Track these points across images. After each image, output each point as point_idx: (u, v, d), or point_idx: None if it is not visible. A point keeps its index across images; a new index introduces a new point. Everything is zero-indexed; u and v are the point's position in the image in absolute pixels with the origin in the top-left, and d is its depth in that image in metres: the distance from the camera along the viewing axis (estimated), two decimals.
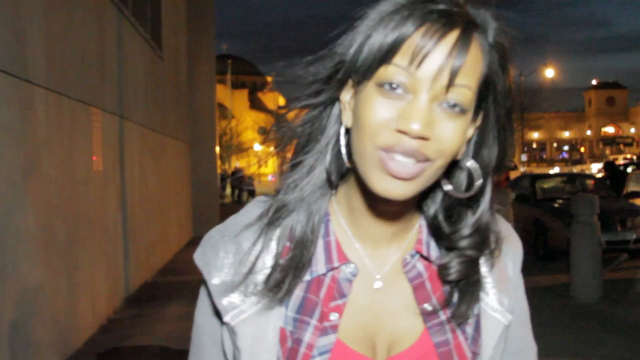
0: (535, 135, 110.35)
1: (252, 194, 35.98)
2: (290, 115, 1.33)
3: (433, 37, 1.09)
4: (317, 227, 1.30)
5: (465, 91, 1.12)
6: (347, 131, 1.24)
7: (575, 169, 57.04)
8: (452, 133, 1.13)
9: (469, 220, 1.29)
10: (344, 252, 1.29)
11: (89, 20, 8.80)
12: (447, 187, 1.28)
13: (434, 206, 1.34)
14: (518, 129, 71.18)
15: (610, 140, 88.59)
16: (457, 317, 1.28)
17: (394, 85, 1.11)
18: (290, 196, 1.29)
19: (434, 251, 1.32)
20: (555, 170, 58.06)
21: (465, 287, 1.29)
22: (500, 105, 1.21)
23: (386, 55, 1.12)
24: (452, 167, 1.26)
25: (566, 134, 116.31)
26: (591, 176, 20.19)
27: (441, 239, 1.32)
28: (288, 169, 1.32)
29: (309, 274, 1.27)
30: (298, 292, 1.26)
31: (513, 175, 30.14)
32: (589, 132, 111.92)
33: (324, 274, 1.28)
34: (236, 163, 63.28)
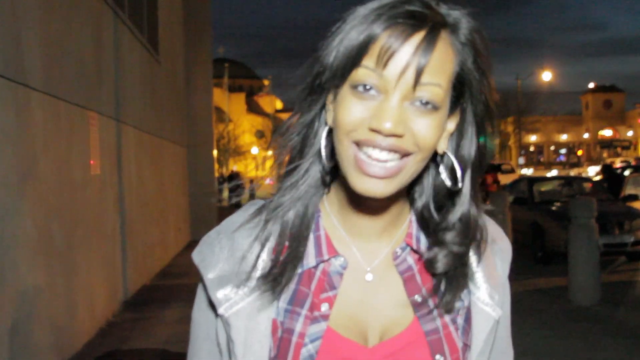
0: (533, 138, 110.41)
1: (252, 197, 36.08)
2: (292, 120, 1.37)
3: (399, 38, 1.13)
4: (310, 223, 1.34)
5: (435, 89, 1.15)
6: (331, 132, 1.28)
7: (572, 172, 57.11)
8: (426, 129, 1.16)
9: (454, 214, 1.32)
10: (334, 246, 1.33)
11: (86, 24, 8.80)
12: (443, 175, 1.32)
13: (423, 199, 1.38)
14: (515, 132, 71.36)
15: (607, 144, 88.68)
16: (443, 305, 1.31)
17: (367, 87, 1.15)
18: (287, 197, 1.33)
19: (423, 245, 1.36)
20: (553, 173, 58.10)
21: (452, 277, 1.32)
22: (476, 101, 1.25)
23: (356, 57, 1.16)
24: (438, 162, 1.32)
25: (563, 137, 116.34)
26: (589, 179, 20.22)
27: (429, 233, 1.35)
28: (284, 174, 1.36)
29: (300, 267, 1.31)
30: (290, 285, 1.30)
31: (511, 178, 30.17)
32: (586, 135, 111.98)
33: (315, 267, 1.32)
34: (234, 167, 63.28)
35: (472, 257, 1.37)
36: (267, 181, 1.42)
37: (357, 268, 1.34)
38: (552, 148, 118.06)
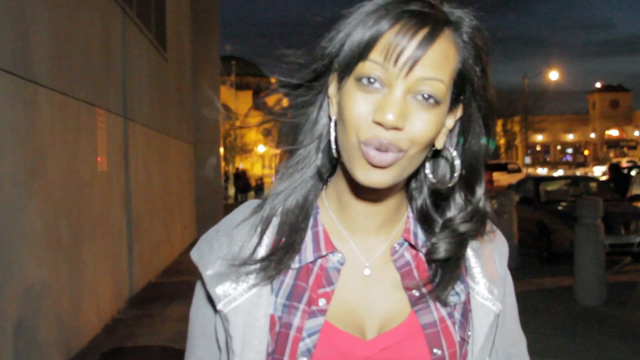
0: (539, 137, 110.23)
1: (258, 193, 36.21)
2: (272, 99, 1.41)
3: (406, 35, 1.16)
4: (308, 217, 1.36)
5: (438, 84, 1.19)
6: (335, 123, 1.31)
7: (578, 172, 56.95)
8: (425, 123, 1.19)
9: (464, 205, 1.36)
10: (332, 241, 1.35)
11: (94, 21, 8.82)
12: (432, 179, 1.37)
13: (422, 195, 1.41)
14: (522, 132, 71.22)
15: (614, 143, 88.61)
16: (437, 294, 1.33)
17: (371, 80, 1.19)
18: (283, 185, 1.36)
19: (421, 241, 1.39)
20: (559, 173, 57.96)
21: (446, 267, 1.35)
22: (480, 97, 1.28)
23: (363, 51, 1.19)
24: (437, 158, 1.37)
25: (570, 137, 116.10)
26: (595, 179, 20.18)
27: (431, 225, 1.38)
28: (280, 160, 1.40)
29: (298, 262, 1.33)
30: (288, 280, 1.32)
31: (517, 177, 30.14)
32: (592, 135, 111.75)
33: (313, 262, 1.34)
34: (240, 164, 63.25)
35: (470, 253, 1.40)
36: (273, 179, 1.43)
37: (355, 263, 1.36)
38: (559, 148, 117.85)
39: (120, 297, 9.86)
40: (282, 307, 1.29)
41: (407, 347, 1.29)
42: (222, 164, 24.94)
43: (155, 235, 12.97)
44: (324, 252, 1.33)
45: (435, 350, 1.29)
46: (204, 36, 20.63)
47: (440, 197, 1.38)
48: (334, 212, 1.38)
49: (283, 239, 1.33)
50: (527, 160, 62.50)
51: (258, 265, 1.30)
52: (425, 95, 1.18)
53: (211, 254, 1.35)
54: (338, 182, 1.36)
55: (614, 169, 20.56)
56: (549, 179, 18.58)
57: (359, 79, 1.19)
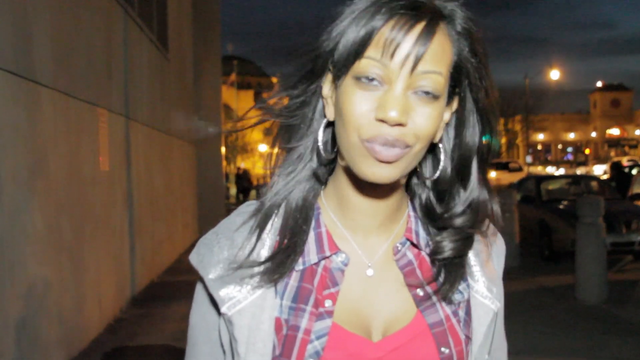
0: (540, 136, 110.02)
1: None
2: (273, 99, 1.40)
3: (402, 29, 1.16)
4: (309, 219, 1.36)
5: (437, 77, 1.19)
6: (329, 124, 1.33)
7: (579, 171, 56.82)
8: (426, 118, 1.19)
9: (461, 198, 1.35)
10: (335, 242, 1.34)
11: (96, 21, 8.83)
12: (425, 174, 1.39)
13: (425, 189, 1.41)
14: (523, 131, 71.15)
15: (615, 142, 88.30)
16: (442, 294, 1.33)
17: (370, 77, 1.18)
18: (280, 186, 1.36)
19: (422, 240, 1.39)
20: (560, 172, 57.85)
21: (450, 266, 1.35)
22: (476, 88, 1.28)
23: (359, 49, 1.18)
24: (432, 151, 1.36)
25: (571, 136, 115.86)
26: (596, 178, 20.17)
27: (435, 220, 1.38)
28: (275, 161, 1.39)
29: (302, 264, 1.32)
30: (292, 282, 1.31)
31: (519, 176, 30.10)
32: (593, 134, 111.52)
33: (316, 264, 1.33)
34: (241, 164, 63.21)
35: (470, 252, 1.40)
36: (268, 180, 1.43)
37: (358, 263, 1.35)
38: (560, 147, 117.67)
39: (122, 296, 9.87)
40: (288, 310, 1.28)
41: (416, 347, 1.29)
42: (224, 163, 24.93)
43: (157, 234, 12.97)
44: (327, 253, 1.32)
45: (443, 349, 1.29)
46: (206, 36, 20.63)
47: (443, 190, 1.38)
48: (334, 212, 1.37)
49: (285, 241, 1.32)
50: (529, 159, 62.42)
51: (262, 268, 1.29)
52: (425, 90, 1.18)
53: (212, 257, 1.34)
54: (337, 182, 1.36)
55: (616, 168, 20.54)
56: (550, 178, 18.56)
57: (357, 78, 1.19)
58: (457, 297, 1.35)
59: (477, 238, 1.41)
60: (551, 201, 15.12)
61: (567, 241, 12.70)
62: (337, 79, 1.24)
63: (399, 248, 1.37)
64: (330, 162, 1.38)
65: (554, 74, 63.40)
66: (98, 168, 8.64)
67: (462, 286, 1.37)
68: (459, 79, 1.26)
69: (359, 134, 1.19)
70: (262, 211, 1.36)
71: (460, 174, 1.35)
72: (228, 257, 1.32)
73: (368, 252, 1.36)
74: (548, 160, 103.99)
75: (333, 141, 1.33)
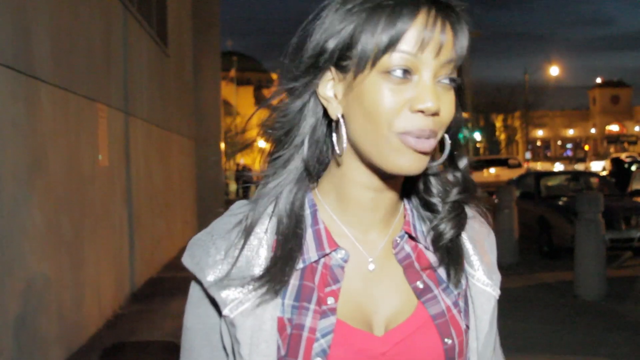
0: (540, 133, 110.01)
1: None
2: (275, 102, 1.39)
3: (431, 21, 1.17)
4: (304, 217, 1.35)
5: (456, 65, 1.22)
6: (331, 123, 1.32)
7: (577, 167, 56.78)
8: (450, 105, 1.23)
9: (458, 167, 1.39)
10: (334, 239, 1.33)
11: (95, 16, 8.82)
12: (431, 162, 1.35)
13: (420, 177, 1.41)
14: (522, 127, 71.14)
15: (614, 139, 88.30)
16: (451, 282, 1.36)
17: (404, 70, 1.18)
18: (271, 185, 1.34)
19: (420, 232, 1.39)
20: (559, 167, 57.86)
21: (449, 255, 1.37)
22: (460, 78, 1.29)
23: (389, 45, 1.17)
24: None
25: (570, 132, 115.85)
26: (596, 174, 20.17)
27: (432, 206, 1.40)
28: (270, 160, 1.38)
29: (302, 262, 1.31)
30: (294, 281, 1.30)
31: (518, 172, 30.10)
32: (593, 130, 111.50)
33: (316, 261, 1.32)
34: (240, 160, 63.21)
35: (467, 241, 1.41)
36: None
37: (358, 259, 1.35)
38: (559, 143, 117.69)
39: (122, 293, 9.88)
40: (291, 309, 1.27)
41: (420, 339, 1.29)
42: (224, 159, 24.92)
43: (157, 230, 12.98)
44: (327, 250, 1.32)
45: (446, 340, 1.30)
46: (205, 31, 20.60)
47: (435, 175, 1.41)
48: (331, 208, 1.36)
49: (281, 245, 1.31)
50: (528, 155, 62.33)
51: (262, 274, 1.28)
52: (452, 77, 1.21)
53: (208, 258, 1.32)
54: (336, 179, 1.35)
55: (616, 163, 20.54)
56: (549, 174, 18.57)
57: (385, 72, 1.18)
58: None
59: (473, 227, 1.43)
60: (550, 197, 15.13)
61: (566, 237, 12.71)
62: (355, 75, 1.21)
63: (398, 241, 1.37)
64: (322, 159, 1.38)
65: (554, 70, 63.32)
66: (97, 164, 8.64)
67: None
68: (459, 69, 1.28)
69: (391, 128, 1.18)
70: (257, 210, 1.34)
71: (452, 156, 1.37)
72: (226, 259, 1.31)
73: (368, 247, 1.36)
74: (547, 156, 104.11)
75: (331, 140, 1.33)
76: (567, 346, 7.51)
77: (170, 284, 11.46)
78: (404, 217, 1.41)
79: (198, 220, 18.86)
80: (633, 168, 22.27)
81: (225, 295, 1.28)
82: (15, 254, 5.83)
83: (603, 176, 19.36)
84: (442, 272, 1.36)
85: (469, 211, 1.44)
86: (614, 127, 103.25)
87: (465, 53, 1.23)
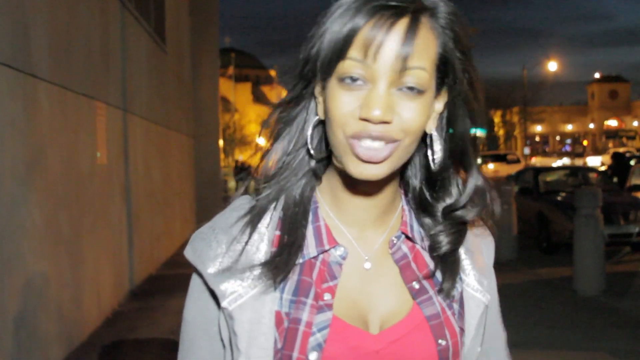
0: (538, 128, 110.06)
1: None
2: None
3: (382, 28, 1.17)
4: (306, 213, 1.37)
5: (420, 72, 1.20)
6: (321, 122, 1.34)
7: (575, 163, 56.73)
8: (413, 113, 1.20)
9: (466, 189, 1.38)
10: (334, 236, 1.35)
11: (93, 14, 8.81)
12: (437, 155, 1.36)
13: (417, 179, 1.42)
14: (521, 122, 71.13)
15: (613, 134, 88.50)
16: (443, 291, 1.35)
17: (354, 78, 1.19)
18: (275, 180, 1.37)
19: (417, 233, 1.40)
20: (557, 163, 57.83)
21: (445, 263, 1.37)
22: (460, 81, 1.29)
23: (341, 50, 1.20)
24: (431, 141, 1.36)
25: (569, 127, 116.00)
26: (594, 169, 20.17)
27: (429, 212, 1.40)
28: (278, 163, 1.39)
29: (301, 257, 1.32)
30: (292, 276, 1.31)
31: (517, 168, 30.09)
32: (591, 126, 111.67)
33: (315, 257, 1.33)
34: (239, 156, 63.21)
35: (462, 249, 1.42)
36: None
37: (355, 257, 1.36)
38: (558, 138, 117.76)
39: (121, 290, 9.87)
40: (288, 303, 1.29)
41: (415, 339, 1.30)
42: (222, 156, 24.92)
43: (156, 227, 12.97)
44: (327, 247, 1.33)
45: (440, 341, 1.31)
46: (203, 28, 20.57)
47: (436, 182, 1.39)
48: (329, 207, 1.39)
49: (286, 237, 1.33)
50: (526, 150, 62.34)
51: (265, 266, 1.29)
52: (409, 86, 1.19)
53: (210, 251, 1.34)
54: (331, 178, 1.37)
55: (617, 157, 20.49)
56: (548, 169, 18.57)
57: (341, 79, 1.20)
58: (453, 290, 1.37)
59: (472, 230, 1.44)
60: (549, 193, 15.13)
61: (565, 233, 12.72)
62: (323, 79, 1.25)
63: (395, 241, 1.38)
64: (326, 158, 1.39)
65: (552, 66, 63.38)
66: (96, 162, 8.63)
67: (457, 279, 1.38)
68: (445, 71, 1.27)
69: (343, 132, 1.20)
70: (259, 205, 1.36)
71: (462, 164, 1.37)
72: (228, 252, 1.32)
73: (365, 245, 1.38)
74: (546, 151, 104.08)
75: (326, 139, 1.34)
76: (565, 341, 7.52)
77: (170, 282, 11.46)
78: (402, 217, 1.41)
79: (196, 216, 18.86)
80: (632, 163, 22.28)
81: (225, 287, 1.30)
82: (14, 252, 5.83)
83: (602, 171, 19.33)
84: (438, 275, 1.37)
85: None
86: (612, 122, 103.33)
87: (431, 59, 1.22)
